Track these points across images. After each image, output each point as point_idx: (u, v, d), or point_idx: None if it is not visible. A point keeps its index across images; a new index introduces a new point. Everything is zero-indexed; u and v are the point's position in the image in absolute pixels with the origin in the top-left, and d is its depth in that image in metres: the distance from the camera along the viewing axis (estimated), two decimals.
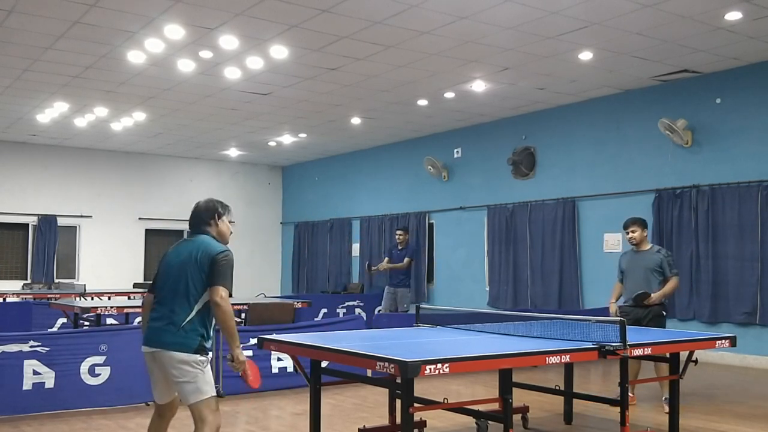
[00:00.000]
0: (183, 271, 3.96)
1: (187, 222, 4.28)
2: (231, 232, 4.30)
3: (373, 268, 12.52)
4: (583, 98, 11.44)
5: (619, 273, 7.30)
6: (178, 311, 3.90)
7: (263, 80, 10.30)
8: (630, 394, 6.68)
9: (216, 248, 4.01)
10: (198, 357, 3.88)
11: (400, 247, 12.10)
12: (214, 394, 3.94)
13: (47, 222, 15.70)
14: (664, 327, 6.93)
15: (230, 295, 3.96)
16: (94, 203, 16.30)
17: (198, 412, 3.87)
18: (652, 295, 6.80)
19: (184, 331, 3.87)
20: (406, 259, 12.02)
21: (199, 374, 3.87)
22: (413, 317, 6.17)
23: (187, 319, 3.89)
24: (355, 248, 16.21)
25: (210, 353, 4.00)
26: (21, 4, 7.43)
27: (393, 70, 9.78)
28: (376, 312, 13.02)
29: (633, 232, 7.04)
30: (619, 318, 4.68)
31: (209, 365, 3.98)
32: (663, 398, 6.63)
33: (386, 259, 12.45)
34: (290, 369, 7.50)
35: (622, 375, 5.03)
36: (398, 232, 12.34)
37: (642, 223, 7.11)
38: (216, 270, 3.92)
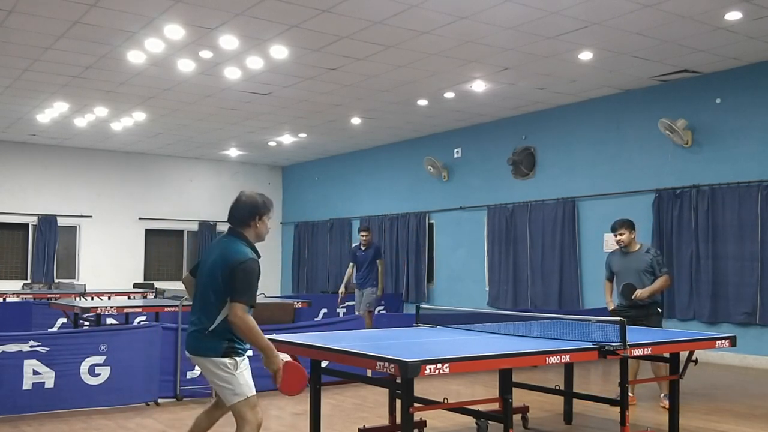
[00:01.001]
0: (210, 277, 3.87)
1: (228, 216, 4.01)
2: (269, 230, 4.10)
3: (343, 294, 11.99)
4: (583, 98, 11.44)
5: (608, 272, 7.36)
6: (204, 318, 3.85)
7: (263, 80, 10.30)
8: (630, 394, 6.69)
9: (238, 256, 3.80)
10: (226, 360, 3.81)
11: (363, 248, 11.55)
12: (252, 393, 3.86)
13: (47, 222, 15.70)
14: (660, 326, 6.95)
15: (253, 306, 3.78)
16: (94, 203, 16.30)
17: (237, 412, 3.85)
18: (639, 291, 6.82)
19: (212, 335, 3.82)
20: (380, 266, 11.52)
21: (232, 377, 3.82)
22: (413, 317, 6.17)
23: (214, 325, 3.82)
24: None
25: (244, 354, 3.90)
26: (21, 4, 7.43)
27: (393, 70, 9.78)
28: (335, 311, 12.96)
29: (621, 234, 7.03)
30: (619, 318, 4.67)
31: (246, 366, 3.88)
32: (662, 395, 6.64)
33: (348, 272, 11.84)
34: None
35: (622, 375, 5.03)
36: (363, 232, 11.70)
37: (630, 225, 7.10)
38: (236, 282, 3.74)
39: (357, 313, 11.47)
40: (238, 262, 3.77)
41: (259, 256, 3.92)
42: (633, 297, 6.85)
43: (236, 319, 3.71)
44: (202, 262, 4.03)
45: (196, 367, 7.13)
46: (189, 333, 3.94)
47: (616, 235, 7.10)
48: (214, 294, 3.82)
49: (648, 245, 7.15)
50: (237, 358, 3.83)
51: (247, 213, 3.96)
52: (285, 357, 3.95)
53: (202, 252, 17.48)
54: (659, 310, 6.96)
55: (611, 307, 7.19)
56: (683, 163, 10.27)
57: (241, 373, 3.84)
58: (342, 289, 11.89)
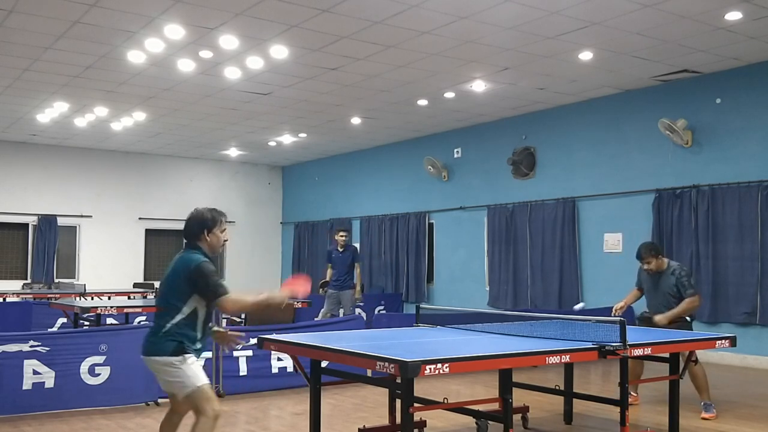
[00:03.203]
0: (168, 285, 4.19)
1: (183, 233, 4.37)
2: (225, 241, 4.37)
3: (323, 290, 11.73)
4: (583, 98, 11.44)
5: (638, 281, 7.07)
6: (159, 322, 4.14)
7: (263, 80, 10.30)
8: (633, 393, 6.68)
9: (191, 263, 4.12)
10: (173, 359, 4.03)
11: (340, 249, 11.35)
12: (203, 383, 4.04)
13: (47, 222, 15.70)
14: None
15: (227, 290, 4.09)
16: (94, 203, 16.30)
17: (192, 404, 4.06)
18: (656, 318, 6.55)
19: (162, 337, 4.07)
20: (357, 269, 11.39)
21: (179, 371, 4.03)
22: (413, 317, 6.17)
23: (166, 328, 4.07)
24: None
25: (192, 355, 4.09)
26: (21, 4, 7.43)
27: (393, 70, 9.78)
28: (334, 312, 12.86)
29: (648, 263, 6.70)
30: (619, 318, 4.67)
31: (193, 361, 4.07)
32: (702, 404, 6.47)
33: (328, 273, 11.62)
34: (290, 369, 7.50)
35: (622, 375, 5.03)
36: (342, 233, 11.50)
37: (655, 252, 6.74)
38: (203, 284, 4.08)
39: (323, 317, 11.09)
40: (193, 266, 4.10)
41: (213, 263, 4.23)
42: (655, 322, 6.54)
43: (229, 308, 4.17)
44: (163, 277, 4.34)
45: None
46: (144, 338, 4.20)
47: (643, 264, 6.75)
48: (174, 297, 4.11)
49: (675, 265, 6.78)
50: (185, 355, 4.04)
51: (196, 228, 4.27)
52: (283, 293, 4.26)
53: None
54: (687, 318, 6.63)
55: (620, 305, 6.89)
56: (683, 163, 10.27)
57: (189, 366, 4.04)
58: (325, 284, 11.72)
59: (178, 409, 4.29)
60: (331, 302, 11.34)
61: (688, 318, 6.67)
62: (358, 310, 12.82)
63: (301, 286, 4.31)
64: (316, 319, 10.91)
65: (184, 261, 4.17)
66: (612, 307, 7.06)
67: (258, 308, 4.21)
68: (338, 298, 11.31)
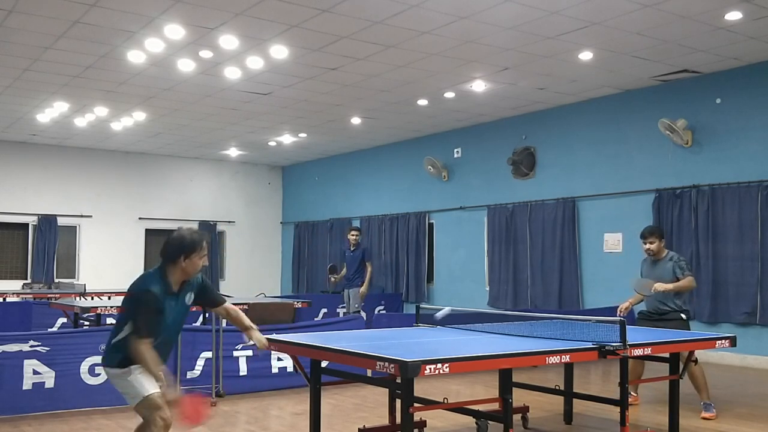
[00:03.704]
0: (124, 299, 4.18)
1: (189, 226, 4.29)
2: (204, 266, 4.23)
3: (334, 277, 12.21)
4: (583, 98, 11.45)
5: (641, 276, 7.11)
6: (113, 332, 4.12)
7: (263, 80, 10.30)
8: (633, 393, 6.68)
9: (135, 285, 4.05)
10: (118, 371, 4.02)
11: (352, 249, 11.75)
12: (149, 392, 3.95)
13: (47, 222, 15.70)
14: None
15: (149, 335, 3.92)
16: (94, 203, 16.30)
17: (141, 414, 4.05)
18: (655, 285, 6.60)
19: (112, 348, 4.07)
20: (368, 267, 11.71)
21: (126, 383, 4.01)
22: (413, 317, 6.17)
23: (115, 339, 4.06)
24: None
25: (139, 366, 3.98)
26: (21, 4, 7.43)
27: (393, 70, 9.78)
28: (335, 311, 13.05)
29: (651, 243, 6.82)
30: (619, 318, 4.67)
31: (140, 372, 3.97)
32: (701, 403, 6.50)
33: (344, 265, 12.03)
34: (290, 369, 7.50)
35: (622, 375, 5.03)
36: (353, 232, 11.94)
37: (659, 234, 6.90)
38: (131, 310, 4.01)
39: (347, 312, 11.54)
40: (133, 289, 4.04)
41: (169, 291, 4.05)
42: (652, 291, 6.63)
43: (131, 349, 3.93)
44: None
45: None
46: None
47: (645, 244, 6.88)
48: (123, 312, 4.12)
49: (673, 253, 6.94)
50: (131, 367, 3.98)
51: (174, 252, 4.09)
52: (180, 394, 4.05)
53: None
54: (683, 316, 6.70)
55: (624, 306, 6.94)
56: (683, 163, 10.27)
57: (135, 377, 3.97)
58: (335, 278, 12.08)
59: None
60: (345, 300, 11.74)
61: (683, 316, 6.70)
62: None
63: (195, 417, 3.98)
64: (348, 312, 11.43)
65: (138, 279, 4.11)
66: (613, 307, 7.08)
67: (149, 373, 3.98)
68: (348, 295, 11.66)
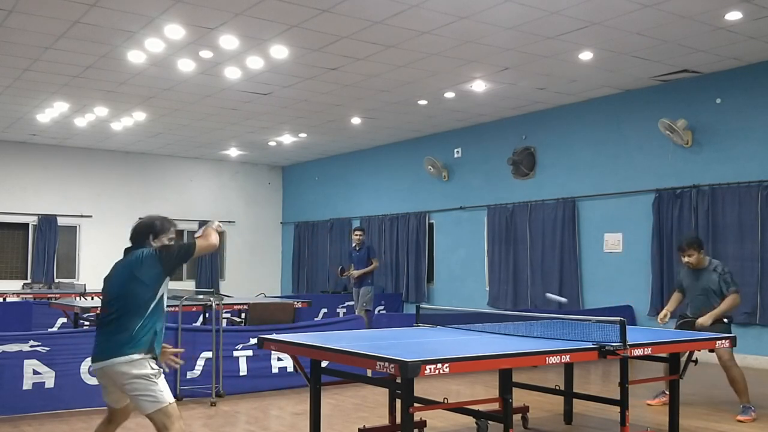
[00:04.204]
0: (121, 288, 4.01)
1: (130, 235, 4.28)
2: None
3: (345, 273, 12.38)
4: (583, 98, 11.44)
5: (678, 284, 6.99)
6: (126, 322, 3.99)
7: (263, 80, 10.30)
8: (666, 392, 6.60)
9: (143, 252, 4.05)
10: (143, 359, 3.96)
11: (357, 249, 11.94)
12: (171, 401, 3.95)
13: (47, 222, 15.70)
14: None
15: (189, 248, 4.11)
16: (94, 203, 16.30)
17: (156, 420, 3.94)
18: (699, 320, 6.50)
19: (132, 338, 3.98)
20: (374, 261, 11.86)
21: (148, 384, 3.93)
22: (413, 317, 6.17)
23: (137, 327, 3.96)
24: None
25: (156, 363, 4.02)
26: (21, 4, 7.43)
27: (393, 70, 9.78)
28: (335, 311, 13.24)
29: (689, 256, 6.61)
30: (619, 318, 4.67)
31: (162, 377, 3.98)
32: (741, 406, 6.45)
33: (351, 265, 12.21)
34: (290, 369, 7.50)
35: (622, 375, 5.03)
36: (356, 232, 12.14)
37: (698, 246, 6.65)
38: (171, 257, 4.05)
39: (356, 312, 11.57)
40: (148, 253, 4.03)
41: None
42: (696, 327, 6.48)
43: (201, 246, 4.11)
44: (107, 283, 4.15)
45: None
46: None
47: (684, 256, 6.66)
48: (126, 302, 3.96)
49: (717, 262, 6.74)
50: (150, 371, 3.93)
51: (142, 233, 4.19)
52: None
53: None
54: (725, 320, 6.57)
55: (663, 314, 6.76)
56: (683, 163, 10.27)
57: (161, 382, 3.94)
58: (355, 272, 12.07)
59: (116, 419, 4.23)
60: (355, 299, 11.85)
61: (725, 320, 6.58)
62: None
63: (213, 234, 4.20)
64: (357, 312, 11.48)
65: (134, 256, 4.07)
66: (613, 307, 7.08)
67: (210, 245, 4.17)
68: (357, 294, 11.78)
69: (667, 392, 6.66)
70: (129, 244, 4.22)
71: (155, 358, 3.98)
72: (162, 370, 4.02)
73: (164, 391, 3.92)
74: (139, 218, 4.33)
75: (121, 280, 4.03)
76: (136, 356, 3.89)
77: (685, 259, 6.68)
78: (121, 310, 3.97)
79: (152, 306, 3.99)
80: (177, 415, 3.93)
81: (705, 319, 6.50)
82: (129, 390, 3.92)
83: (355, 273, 11.87)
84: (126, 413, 4.20)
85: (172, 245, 4.11)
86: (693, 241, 6.73)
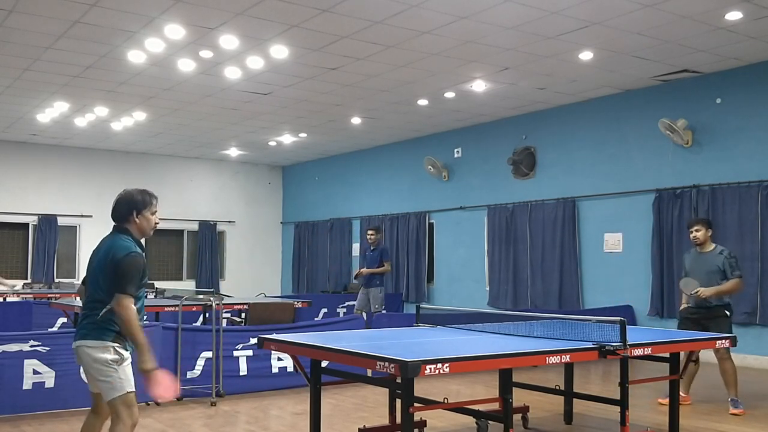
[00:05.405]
0: (99, 273, 3.93)
1: (111, 215, 4.05)
2: (156, 224, 4.10)
3: (356, 275, 12.32)
4: (583, 98, 11.45)
5: (684, 272, 7.08)
6: (97, 306, 3.93)
7: (263, 80, 10.30)
8: (683, 394, 6.63)
9: (120, 251, 3.87)
10: (111, 345, 3.88)
11: (372, 248, 11.78)
12: (132, 390, 3.88)
13: (47, 222, 15.70)
14: (729, 329, 6.59)
15: (133, 296, 3.83)
16: (94, 203, 16.28)
17: (113, 407, 3.88)
18: (702, 289, 6.58)
19: (102, 322, 3.90)
20: (385, 264, 11.64)
21: (112, 371, 3.87)
22: (413, 317, 6.17)
23: (105, 311, 3.88)
24: (356, 248, 16.19)
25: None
26: (21, 4, 7.43)
27: (393, 70, 9.78)
28: (365, 309, 12.99)
29: (697, 231, 6.80)
30: (619, 318, 4.67)
31: (128, 364, 3.91)
32: (729, 399, 6.60)
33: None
34: (290, 369, 7.50)
35: (622, 375, 5.03)
36: (369, 231, 11.94)
37: (706, 223, 6.88)
38: (118, 275, 3.82)
39: (355, 312, 11.53)
40: (120, 256, 3.84)
41: (143, 250, 3.98)
42: (694, 293, 6.63)
43: (119, 308, 3.78)
44: (89, 263, 4.07)
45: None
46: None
47: (691, 232, 6.87)
48: (102, 289, 3.88)
49: (723, 247, 6.89)
50: (123, 354, 3.88)
51: (125, 209, 4.01)
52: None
53: (199, 251, 17.50)
54: (727, 312, 6.66)
55: (683, 307, 6.92)
56: (683, 163, 10.27)
57: (126, 368, 3.88)
58: (365, 270, 11.91)
59: (102, 412, 4.12)
60: (361, 299, 11.65)
61: (727, 312, 6.66)
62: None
63: (164, 388, 3.86)
64: (356, 312, 11.38)
65: (115, 247, 3.91)
66: (613, 307, 7.10)
67: (133, 340, 3.83)
68: (367, 295, 11.57)
69: (684, 393, 6.71)
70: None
71: (124, 346, 3.89)
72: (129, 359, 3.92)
73: (124, 380, 3.85)
74: (123, 191, 4.11)
75: (97, 265, 3.96)
76: (100, 342, 3.84)
77: (692, 234, 6.83)
78: (94, 294, 3.93)
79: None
80: (133, 404, 3.87)
81: (706, 291, 6.56)
82: (92, 373, 3.90)
83: (364, 271, 11.77)
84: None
85: (130, 269, 3.82)
86: (701, 218, 7.00)
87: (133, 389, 3.89)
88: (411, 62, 9.43)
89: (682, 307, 6.98)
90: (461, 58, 9.25)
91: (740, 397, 6.75)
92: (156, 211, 4.08)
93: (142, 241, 4.11)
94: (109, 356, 3.85)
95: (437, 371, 3.84)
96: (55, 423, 6.07)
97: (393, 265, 15.07)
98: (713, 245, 6.88)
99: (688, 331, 6.40)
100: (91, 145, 15.85)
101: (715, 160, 9.92)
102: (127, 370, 3.89)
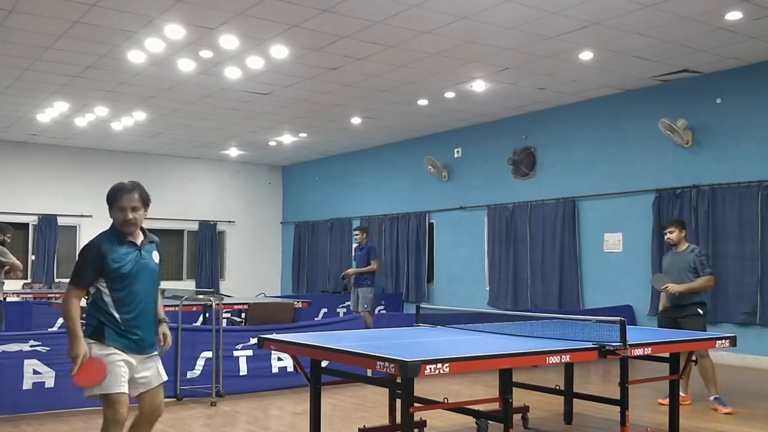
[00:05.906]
0: None
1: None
2: (127, 220, 4.01)
3: (344, 276, 12.41)
4: (583, 98, 11.45)
5: (661, 268, 7.32)
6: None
7: (263, 80, 10.30)
8: (683, 393, 6.66)
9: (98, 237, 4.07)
10: (90, 342, 3.91)
11: (359, 249, 11.97)
12: (119, 390, 3.88)
13: (47, 222, 15.70)
14: (703, 327, 6.77)
15: (77, 287, 3.91)
16: (94, 203, 16.25)
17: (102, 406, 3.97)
18: (671, 285, 6.79)
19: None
20: (372, 262, 11.72)
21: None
22: (413, 317, 6.17)
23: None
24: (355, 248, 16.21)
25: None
26: (21, 4, 7.43)
27: (393, 70, 9.78)
28: (335, 311, 13.28)
29: (671, 233, 7.03)
30: (619, 318, 4.67)
31: (118, 360, 3.91)
32: (711, 398, 6.68)
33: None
34: (290, 369, 7.50)
35: (622, 375, 5.03)
36: (356, 231, 12.17)
37: (680, 224, 7.09)
38: (76, 265, 3.99)
39: (353, 311, 11.57)
40: (85, 246, 4.06)
41: (122, 241, 4.01)
42: (663, 288, 6.86)
43: (62, 299, 3.94)
44: None
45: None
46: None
47: (666, 233, 7.11)
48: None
49: (695, 246, 7.13)
50: (113, 351, 3.88)
51: (107, 201, 4.12)
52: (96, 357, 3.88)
53: (199, 251, 17.51)
54: (699, 311, 6.81)
55: (661, 308, 7.15)
56: (683, 163, 10.28)
57: (115, 368, 3.87)
58: (351, 270, 12.09)
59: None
60: (353, 298, 11.79)
61: (700, 311, 6.81)
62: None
63: (89, 380, 3.84)
64: (354, 312, 11.48)
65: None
66: (613, 307, 7.14)
67: (69, 333, 3.84)
68: (357, 295, 11.68)
69: (683, 393, 6.73)
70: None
71: (105, 343, 3.86)
72: (118, 361, 3.87)
73: (115, 378, 3.84)
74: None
75: None
76: (86, 339, 3.87)
77: (667, 236, 7.08)
78: None
79: (92, 295, 3.95)
80: (117, 403, 3.85)
81: (676, 287, 6.78)
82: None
83: (350, 271, 11.86)
84: (148, 403, 4.12)
85: (78, 260, 4.00)
86: (675, 220, 7.30)
87: (120, 390, 3.86)
88: (411, 62, 9.43)
89: (661, 307, 7.15)
90: (461, 58, 9.25)
91: (740, 397, 6.76)
92: (125, 207, 3.99)
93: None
94: (90, 342, 3.88)
95: (437, 371, 3.84)
96: (55, 423, 6.07)
97: (390, 264, 15.10)
98: (686, 244, 7.09)
99: (688, 331, 6.40)
100: (91, 145, 15.86)
101: (715, 160, 9.92)
102: (116, 370, 3.85)
